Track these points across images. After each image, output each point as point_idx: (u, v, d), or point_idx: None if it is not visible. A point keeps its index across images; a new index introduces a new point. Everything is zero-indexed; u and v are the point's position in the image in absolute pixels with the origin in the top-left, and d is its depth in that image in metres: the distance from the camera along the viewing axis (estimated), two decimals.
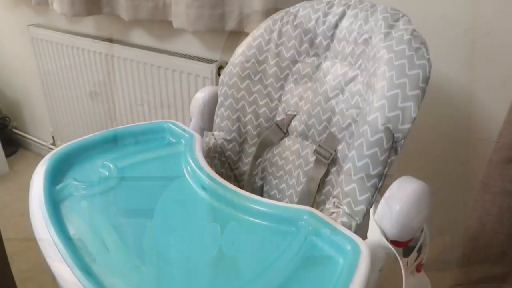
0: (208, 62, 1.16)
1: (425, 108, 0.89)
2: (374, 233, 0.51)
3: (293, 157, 0.72)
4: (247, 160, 0.77)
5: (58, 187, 0.60)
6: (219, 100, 0.75)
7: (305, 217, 0.52)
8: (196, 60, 1.17)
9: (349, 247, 0.47)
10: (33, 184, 0.60)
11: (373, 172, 0.54)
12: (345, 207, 0.56)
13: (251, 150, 0.76)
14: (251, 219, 0.54)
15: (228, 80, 0.73)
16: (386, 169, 0.55)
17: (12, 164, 1.95)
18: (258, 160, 0.77)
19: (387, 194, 0.52)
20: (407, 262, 0.55)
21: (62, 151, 0.66)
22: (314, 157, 0.67)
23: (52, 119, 1.74)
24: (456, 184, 0.96)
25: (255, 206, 0.55)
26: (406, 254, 0.57)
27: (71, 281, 0.44)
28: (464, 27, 0.79)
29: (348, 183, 0.56)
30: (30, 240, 1.40)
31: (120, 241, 0.51)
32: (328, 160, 0.64)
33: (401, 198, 0.50)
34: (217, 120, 0.76)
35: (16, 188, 1.79)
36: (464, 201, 0.95)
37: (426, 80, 0.53)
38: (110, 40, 1.38)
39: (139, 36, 1.34)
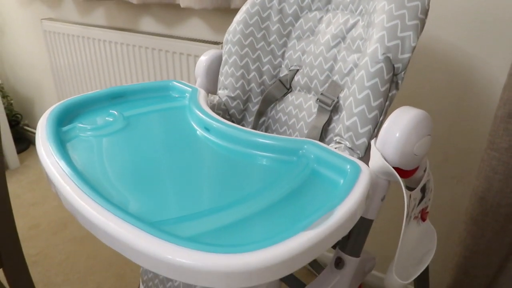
0: (215, 44, 1.18)
1: (429, 77, 0.90)
2: (375, 160, 0.51)
3: (296, 111, 0.72)
4: (251, 119, 0.78)
5: (64, 128, 0.61)
6: (223, 58, 0.77)
7: (305, 146, 0.53)
8: (204, 43, 1.20)
9: (348, 167, 0.47)
10: (39, 127, 0.61)
11: (374, 104, 0.54)
12: (346, 142, 0.56)
13: (254, 108, 0.77)
14: (253, 151, 0.55)
15: (232, 38, 0.75)
16: (387, 102, 0.55)
17: (23, 159, 1.99)
18: (262, 119, 0.77)
19: (386, 123, 0.52)
20: (410, 196, 0.55)
21: (68, 102, 0.67)
22: (317, 108, 0.67)
23: None
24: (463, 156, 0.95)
25: (258, 139, 0.55)
26: (409, 189, 0.57)
27: (76, 196, 0.44)
28: None
29: (349, 117, 0.56)
30: (38, 227, 1.41)
31: (124, 170, 0.52)
32: (330, 107, 0.65)
33: (400, 126, 0.50)
34: (221, 78, 0.77)
35: (27, 181, 1.82)
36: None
37: (425, 12, 0.54)
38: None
39: (148, 23, 1.37)
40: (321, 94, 0.66)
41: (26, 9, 1.73)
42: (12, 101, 2.03)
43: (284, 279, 0.57)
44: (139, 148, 0.57)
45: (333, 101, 0.64)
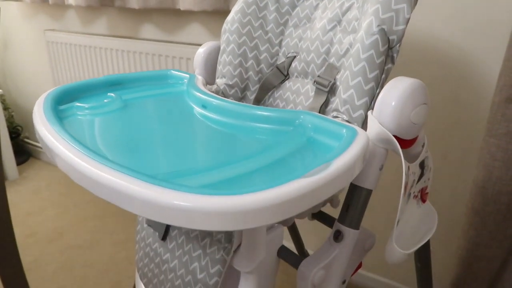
0: None
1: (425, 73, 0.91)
2: (372, 127, 0.51)
3: (294, 96, 0.72)
4: None
5: (62, 107, 0.61)
6: (221, 48, 0.78)
7: (302, 116, 0.53)
8: None
9: (344, 131, 0.47)
10: (37, 105, 0.61)
11: (370, 76, 0.54)
12: (343, 115, 0.56)
13: (252, 96, 0.78)
14: (250, 123, 0.55)
15: (230, 27, 0.76)
16: (383, 75, 0.56)
17: (22, 171, 1.98)
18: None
19: (381, 93, 0.52)
20: (409, 168, 0.54)
21: (66, 86, 0.68)
22: (314, 91, 0.68)
23: None
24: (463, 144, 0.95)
25: (254, 112, 0.55)
26: (408, 161, 0.56)
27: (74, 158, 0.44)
28: None
29: (346, 90, 0.56)
30: (34, 236, 1.40)
31: (121, 139, 0.52)
32: (327, 88, 0.65)
33: (395, 94, 0.50)
34: (219, 67, 0.78)
35: (25, 192, 1.81)
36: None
37: None
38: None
39: (149, 30, 1.40)
40: (318, 76, 0.67)
41: (29, 21, 1.76)
42: (13, 113, 2.04)
43: (282, 255, 0.56)
44: (136, 123, 0.57)
45: (330, 82, 0.65)
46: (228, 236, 0.55)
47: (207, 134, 0.54)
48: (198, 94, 0.63)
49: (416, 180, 0.60)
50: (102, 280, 1.28)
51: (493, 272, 0.84)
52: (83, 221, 1.59)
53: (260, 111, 0.55)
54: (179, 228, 0.62)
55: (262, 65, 0.77)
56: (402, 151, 0.51)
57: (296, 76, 0.73)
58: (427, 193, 0.65)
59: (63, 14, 1.62)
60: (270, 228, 0.56)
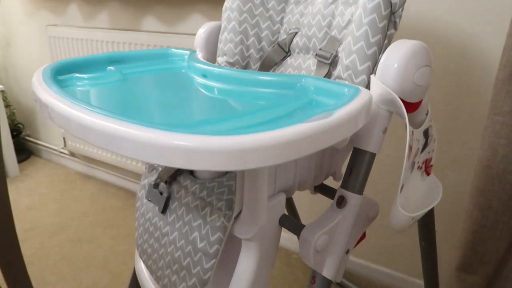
0: None
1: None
2: (375, 88, 0.50)
3: (295, 72, 0.72)
4: None
5: (61, 77, 0.61)
6: (222, 26, 0.77)
7: (303, 80, 0.52)
8: None
9: (346, 90, 0.46)
10: (35, 74, 0.60)
11: (372, 40, 0.54)
12: (345, 82, 0.56)
13: None
14: (251, 88, 0.54)
15: (231, 4, 0.76)
16: (386, 41, 0.55)
17: (23, 169, 1.98)
18: None
19: (383, 56, 0.51)
20: (413, 133, 0.53)
21: (65, 60, 0.67)
22: (316, 64, 0.67)
23: None
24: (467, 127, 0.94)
25: (255, 77, 0.54)
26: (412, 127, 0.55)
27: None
28: None
29: (348, 55, 0.55)
30: (34, 230, 1.40)
31: (121, 104, 0.51)
32: (329, 60, 0.64)
33: (398, 55, 0.50)
34: (220, 45, 0.77)
35: (25, 188, 1.80)
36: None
37: None
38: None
39: (150, 22, 1.40)
40: (320, 49, 0.66)
41: (31, 17, 1.77)
42: (14, 110, 2.04)
43: (283, 223, 0.55)
44: (136, 91, 0.57)
45: (332, 54, 0.64)
46: (229, 203, 0.54)
47: (208, 99, 0.53)
48: (198, 64, 0.62)
49: (420, 149, 0.59)
50: (102, 272, 1.26)
51: (499, 254, 0.82)
52: (83, 216, 1.58)
53: (262, 76, 0.54)
54: (179, 200, 0.61)
55: (264, 43, 0.76)
56: (407, 116, 0.50)
57: (298, 52, 0.73)
58: (432, 165, 0.64)
59: (65, 9, 1.63)
60: (271, 195, 0.55)
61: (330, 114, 0.38)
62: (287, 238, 1.34)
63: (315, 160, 0.58)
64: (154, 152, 0.33)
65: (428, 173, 0.64)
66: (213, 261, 0.54)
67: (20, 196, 1.72)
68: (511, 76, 0.73)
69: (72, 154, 1.92)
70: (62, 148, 1.93)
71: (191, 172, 0.65)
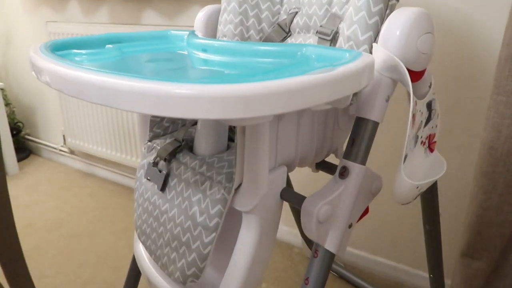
0: None
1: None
2: (378, 55, 0.49)
3: None
4: None
5: (59, 52, 0.60)
6: (222, 7, 0.77)
7: (304, 49, 0.51)
8: None
9: (347, 55, 0.45)
10: (32, 48, 0.59)
11: (373, 9, 0.53)
12: None
13: None
14: (251, 59, 0.53)
15: None
16: (388, 11, 0.54)
17: (23, 167, 1.97)
18: None
19: (385, 25, 0.51)
20: (416, 103, 0.53)
21: (64, 39, 0.67)
22: (317, 42, 0.66)
23: (65, 117, 1.77)
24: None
25: (256, 47, 0.54)
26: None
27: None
28: None
29: (350, 26, 0.55)
30: (33, 226, 1.39)
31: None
32: (329, 36, 0.63)
33: (399, 22, 0.49)
34: (220, 27, 0.77)
35: (24, 185, 1.79)
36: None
37: None
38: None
39: (150, 16, 1.40)
40: (320, 26, 0.66)
41: (31, 14, 1.77)
42: (14, 109, 2.04)
43: (285, 197, 0.53)
44: (135, 64, 0.56)
45: (332, 30, 0.63)
46: (229, 176, 0.53)
47: (207, 69, 0.52)
48: (198, 40, 0.62)
49: (424, 122, 0.58)
50: (101, 266, 1.25)
51: (505, 238, 0.81)
52: (82, 212, 1.56)
53: (262, 46, 0.54)
54: (179, 177, 0.59)
55: (264, 24, 0.76)
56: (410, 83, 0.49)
57: (298, 32, 0.72)
58: (435, 142, 0.63)
59: (65, 5, 1.63)
60: (272, 168, 0.54)
61: (332, 69, 0.37)
62: (288, 232, 1.33)
63: (316, 133, 0.57)
64: (155, 102, 0.33)
65: (431, 150, 0.62)
66: (213, 235, 0.53)
67: (19, 194, 1.71)
68: None
69: (71, 152, 1.91)
70: (62, 146, 1.93)
71: (191, 149, 0.64)
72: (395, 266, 1.16)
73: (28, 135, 2.09)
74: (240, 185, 0.52)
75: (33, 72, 0.47)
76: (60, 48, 0.63)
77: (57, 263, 1.26)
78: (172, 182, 0.60)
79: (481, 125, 0.83)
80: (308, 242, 1.20)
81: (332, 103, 0.41)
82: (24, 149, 2.09)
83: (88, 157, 1.84)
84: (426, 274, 1.07)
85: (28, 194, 1.71)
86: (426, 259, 0.88)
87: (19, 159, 1.98)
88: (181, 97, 0.32)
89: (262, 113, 0.32)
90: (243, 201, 0.51)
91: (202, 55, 0.59)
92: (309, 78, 0.34)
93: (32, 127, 2.07)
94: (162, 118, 0.69)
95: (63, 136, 1.86)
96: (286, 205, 1.13)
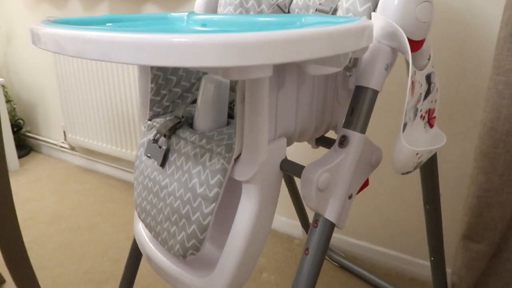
0: None
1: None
2: (377, 22, 0.49)
3: None
4: None
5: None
6: None
7: (303, 19, 0.51)
8: None
9: (346, 19, 0.46)
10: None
11: None
12: None
13: None
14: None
15: None
16: None
17: (23, 163, 1.97)
18: None
19: None
20: (415, 72, 0.53)
21: (66, 18, 0.67)
22: None
23: (65, 113, 1.77)
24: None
25: (255, 19, 0.54)
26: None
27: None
28: None
29: None
30: (33, 219, 1.39)
31: None
32: (329, 13, 0.64)
33: None
34: (219, 9, 0.77)
35: (24, 181, 1.79)
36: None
37: None
38: None
39: (151, 10, 1.40)
40: (319, 4, 0.66)
41: (32, 11, 1.78)
42: (15, 106, 2.04)
43: (284, 168, 0.53)
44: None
45: (331, 8, 0.64)
46: (229, 147, 0.53)
47: None
48: (197, 16, 0.62)
49: (423, 95, 0.58)
50: (101, 258, 1.24)
51: (506, 220, 0.81)
52: (83, 206, 1.56)
53: (261, 18, 0.54)
54: (178, 151, 0.59)
55: (263, 6, 0.76)
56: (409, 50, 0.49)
57: (297, 12, 0.72)
58: (435, 117, 0.63)
59: (66, 1, 1.64)
60: (272, 139, 0.54)
61: (329, 26, 0.37)
62: (288, 223, 1.32)
63: (316, 105, 0.57)
64: (154, 52, 0.33)
65: (431, 125, 0.62)
66: (213, 205, 0.53)
67: (20, 189, 1.71)
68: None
69: (72, 148, 1.91)
70: (62, 142, 1.93)
71: (191, 126, 0.64)
72: (395, 255, 1.16)
73: (29, 132, 2.09)
74: (239, 155, 0.52)
75: (32, 42, 0.47)
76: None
77: (57, 255, 1.26)
78: (172, 157, 0.60)
79: (481, 111, 0.83)
80: None
81: (331, 62, 0.41)
82: (25, 146, 2.10)
83: (88, 152, 1.84)
84: (427, 263, 1.07)
85: (28, 189, 1.71)
86: (427, 248, 0.87)
87: (20, 156, 1.98)
88: (179, 46, 0.32)
89: (259, 61, 0.32)
90: (243, 170, 0.51)
91: (202, 29, 0.59)
92: (306, 30, 0.34)
93: (32, 124, 2.07)
94: (162, 97, 0.69)
95: (64, 132, 1.86)
96: (287, 197, 1.14)
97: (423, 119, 0.60)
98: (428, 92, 0.59)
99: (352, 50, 0.39)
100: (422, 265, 1.11)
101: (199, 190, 0.54)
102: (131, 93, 1.50)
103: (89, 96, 1.64)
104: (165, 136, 0.63)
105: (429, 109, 0.61)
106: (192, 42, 0.31)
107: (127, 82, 1.49)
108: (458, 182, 0.98)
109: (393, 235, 1.16)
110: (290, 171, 0.53)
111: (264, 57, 0.32)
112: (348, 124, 0.51)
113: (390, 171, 1.07)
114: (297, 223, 1.27)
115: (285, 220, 1.34)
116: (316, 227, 0.52)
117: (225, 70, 0.37)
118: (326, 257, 1.20)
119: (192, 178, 0.55)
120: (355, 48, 0.40)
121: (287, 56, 0.33)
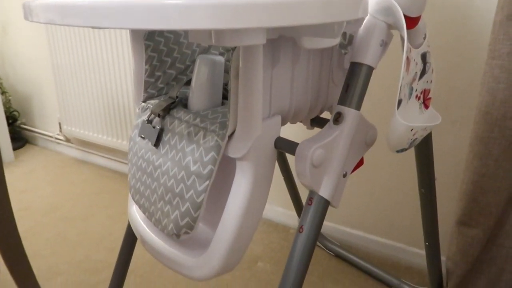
0: None
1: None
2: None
3: None
4: None
5: None
6: None
7: None
8: None
9: None
10: None
11: None
12: None
13: None
14: None
15: None
16: None
17: (18, 155, 1.96)
18: None
19: None
20: (410, 50, 0.52)
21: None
22: None
23: (60, 104, 1.76)
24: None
25: None
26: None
27: None
28: None
29: None
30: (28, 210, 1.38)
31: None
32: None
33: None
34: None
35: (19, 172, 1.78)
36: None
37: None
38: None
39: None
40: None
41: None
42: (10, 97, 2.03)
43: (279, 145, 0.53)
44: None
45: None
46: (223, 125, 0.53)
47: None
48: None
49: (419, 74, 0.58)
50: (96, 248, 1.24)
51: (501, 205, 0.81)
52: (78, 197, 1.56)
53: None
54: (172, 131, 0.59)
55: None
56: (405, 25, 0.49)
57: None
58: (430, 98, 0.63)
59: None
60: (267, 117, 0.53)
61: None
62: (284, 213, 1.32)
63: (311, 84, 0.57)
64: (145, 15, 0.32)
65: (426, 106, 0.62)
66: (207, 182, 0.52)
67: (15, 180, 1.70)
68: (509, 17, 0.72)
69: (67, 139, 1.90)
70: (58, 134, 1.92)
71: (185, 106, 0.63)
72: (391, 244, 1.16)
73: (24, 124, 2.08)
74: (233, 133, 0.52)
75: (24, 17, 0.47)
76: None
77: (52, 244, 1.26)
78: (166, 137, 0.60)
79: (477, 99, 0.83)
80: None
81: (325, 32, 0.41)
82: (20, 138, 2.09)
83: (83, 144, 1.84)
84: (422, 252, 1.07)
85: (23, 180, 1.70)
86: (422, 237, 0.87)
87: (15, 148, 1.97)
88: (171, 7, 0.31)
89: (252, 24, 0.32)
90: (237, 147, 0.51)
91: None
92: None
93: (28, 116, 2.06)
94: (157, 79, 0.69)
95: (59, 123, 1.85)
96: (282, 187, 1.13)
97: (419, 99, 0.60)
98: (423, 72, 0.58)
99: (347, 19, 0.39)
100: (417, 254, 1.11)
101: (193, 168, 0.53)
102: (126, 84, 1.50)
103: (85, 87, 1.63)
104: (159, 116, 0.62)
105: (425, 90, 0.61)
106: (185, 4, 0.31)
107: (122, 73, 1.49)
108: (453, 168, 0.99)
109: (388, 224, 1.16)
110: (284, 148, 0.53)
111: (257, 20, 0.32)
112: (343, 101, 0.51)
113: (386, 161, 1.08)
114: (293, 213, 1.27)
115: (281, 210, 1.33)
116: (311, 204, 0.51)
117: (218, 36, 0.37)
118: (321, 246, 1.20)
119: (186, 156, 0.55)
120: (349, 18, 0.39)
121: (280, 20, 0.33)
